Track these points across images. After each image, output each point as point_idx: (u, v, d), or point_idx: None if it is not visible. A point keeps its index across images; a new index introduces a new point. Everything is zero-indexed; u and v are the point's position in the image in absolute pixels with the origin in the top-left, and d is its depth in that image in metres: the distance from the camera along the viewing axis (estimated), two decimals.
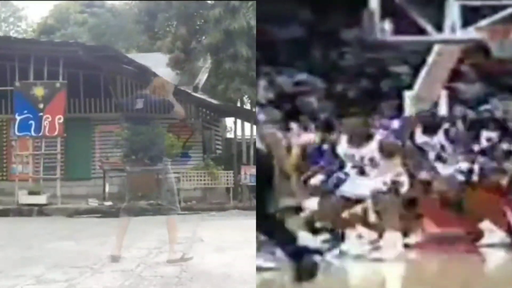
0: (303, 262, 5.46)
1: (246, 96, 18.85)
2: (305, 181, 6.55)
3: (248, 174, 16.69)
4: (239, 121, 19.97)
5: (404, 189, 6.49)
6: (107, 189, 16.29)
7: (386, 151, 6.50)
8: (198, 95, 19.45)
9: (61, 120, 15.55)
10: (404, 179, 6.51)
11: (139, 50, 31.70)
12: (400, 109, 7.03)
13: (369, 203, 6.41)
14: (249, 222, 12.84)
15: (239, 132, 20.11)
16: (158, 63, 20.58)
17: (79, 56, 15.88)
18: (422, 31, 6.65)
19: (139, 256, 7.32)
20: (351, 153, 6.55)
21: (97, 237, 9.66)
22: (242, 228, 10.71)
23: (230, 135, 25.49)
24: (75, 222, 13.04)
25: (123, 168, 16.07)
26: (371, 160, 6.45)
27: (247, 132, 19.54)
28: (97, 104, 18.95)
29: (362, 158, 6.50)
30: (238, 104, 19.43)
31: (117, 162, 16.21)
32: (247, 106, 20.33)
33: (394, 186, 6.48)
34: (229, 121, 25.43)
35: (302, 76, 7.95)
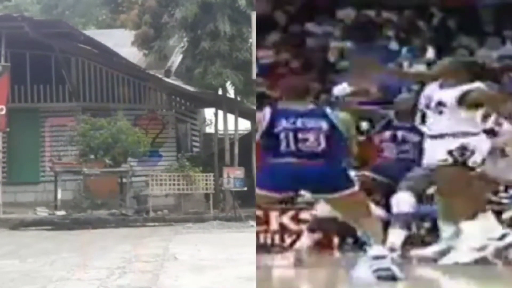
0: None
1: (229, 82, 18.77)
2: None
3: (232, 177, 16.64)
4: (220, 113, 19.91)
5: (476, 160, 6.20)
6: (59, 196, 16.17)
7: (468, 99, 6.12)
8: (171, 80, 19.37)
9: (3, 112, 15.42)
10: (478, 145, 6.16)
11: (99, 26, 31.52)
12: None
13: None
14: (232, 235, 12.85)
15: (220, 126, 20.05)
16: (122, 41, 20.47)
17: (26, 33, 15.77)
18: None
19: (99, 278, 7.28)
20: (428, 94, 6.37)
21: (47, 254, 9.61)
22: (225, 243, 10.69)
23: (209, 129, 25.43)
24: (20, 236, 12.98)
25: (79, 170, 16.11)
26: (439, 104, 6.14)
27: (231, 126, 19.49)
28: (47, 92, 18.81)
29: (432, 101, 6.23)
30: (220, 92, 19.37)
31: (71, 163, 16.13)
32: (230, 95, 20.28)
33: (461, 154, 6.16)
34: (208, 112, 25.39)
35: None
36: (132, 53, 19.93)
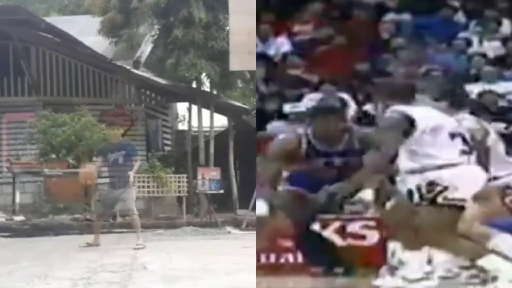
0: None
1: (204, 74, 18.79)
2: None
3: (207, 178, 16.61)
4: (194, 108, 19.93)
5: None
6: (17, 199, 16.12)
7: None
8: (140, 72, 19.35)
9: None
10: None
11: (62, 13, 31.42)
12: None
13: None
14: (207, 243, 12.88)
15: (194, 122, 20.07)
16: (87, 29, 20.42)
17: None
18: None
19: None
20: None
21: (4, 263, 9.56)
22: (199, 251, 10.70)
23: (182, 126, 25.47)
24: None
25: (39, 171, 16.03)
26: None
27: (206, 122, 19.52)
28: (4, 85, 18.71)
29: None
30: (194, 85, 19.40)
31: (31, 163, 16.07)
32: (206, 88, 20.31)
33: None
34: (181, 107, 25.41)
35: None
36: (97, 42, 19.89)
